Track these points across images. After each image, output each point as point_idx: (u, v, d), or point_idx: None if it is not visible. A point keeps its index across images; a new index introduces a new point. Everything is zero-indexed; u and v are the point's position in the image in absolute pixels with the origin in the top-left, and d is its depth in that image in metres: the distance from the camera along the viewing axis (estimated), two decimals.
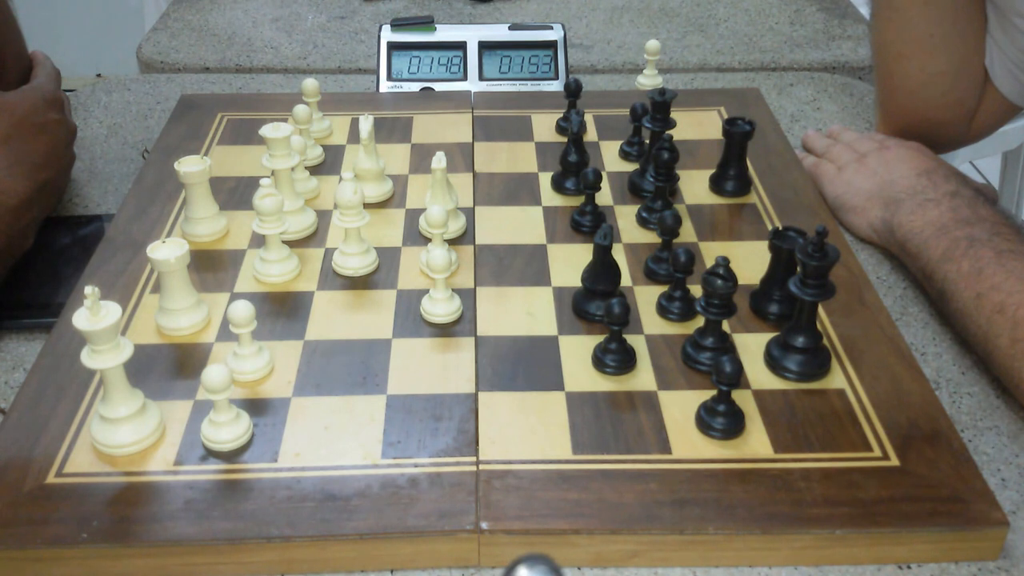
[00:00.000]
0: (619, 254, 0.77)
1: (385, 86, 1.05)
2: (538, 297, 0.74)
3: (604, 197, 0.85)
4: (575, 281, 0.74)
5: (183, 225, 0.81)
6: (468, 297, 0.73)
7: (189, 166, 0.78)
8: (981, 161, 2.39)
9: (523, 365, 0.67)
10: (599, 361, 0.67)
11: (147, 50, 1.25)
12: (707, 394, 0.64)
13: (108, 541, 0.55)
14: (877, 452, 0.61)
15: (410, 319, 0.71)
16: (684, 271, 0.69)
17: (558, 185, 0.86)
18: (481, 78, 1.06)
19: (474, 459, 0.60)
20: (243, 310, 0.63)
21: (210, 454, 0.61)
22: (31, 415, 0.63)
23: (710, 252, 0.79)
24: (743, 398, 0.65)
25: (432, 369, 0.67)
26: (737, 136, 0.84)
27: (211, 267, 0.77)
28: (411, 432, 0.62)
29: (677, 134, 0.84)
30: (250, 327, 0.64)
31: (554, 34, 1.06)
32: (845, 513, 0.57)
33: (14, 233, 0.77)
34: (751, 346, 0.69)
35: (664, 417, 0.63)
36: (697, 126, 0.97)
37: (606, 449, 0.61)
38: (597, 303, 0.71)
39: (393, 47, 1.06)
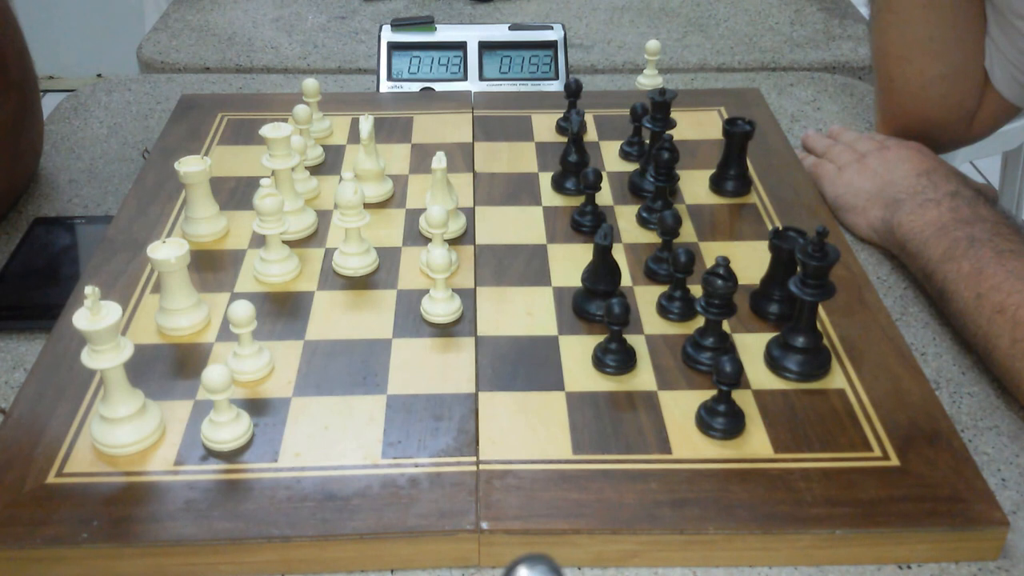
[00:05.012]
0: (619, 254, 0.77)
1: (385, 86, 1.05)
2: (538, 297, 0.74)
3: (604, 197, 0.85)
4: (575, 281, 0.74)
5: (183, 225, 0.81)
6: (468, 297, 0.73)
7: (189, 166, 0.78)
8: (981, 161, 2.39)
9: (523, 365, 0.67)
10: (599, 361, 0.67)
11: (147, 50, 1.25)
12: (707, 394, 0.64)
13: (108, 541, 0.55)
14: (877, 452, 0.61)
15: (410, 319, 0.71)
16: (684, 271, 0.69)
17: (558, 185, 0.86)
18: (481, 78, 1.06)
19: (474, 459, 0.60)
20: (243, 310, 0.63)
21: (210, 454, 0.61)
22: (31, 415, 0.63)
23: (710, 252, 0.79)
24: (743, 398, 0.65)
25: (432, 369, 0.67)
26: (737, 136, 0.84)
27: (211, 267, 0.77)
28: (411, 432, 0.62)
29: (677, 134, 0.84)
30: (250, 327, 0.64)
31: (554, 34, 1.06)
32: (845, 513, 0.57)
33: None
34: (751, 346, 0.69)
35: (664, 417, 0.63)
36: (697, 126, 0.96)
37: (606, 449, 0.61)
38: (597, 303, 0.71)
39: (393, 47, 1.06)
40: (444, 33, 1.06)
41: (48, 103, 1.21)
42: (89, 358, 0.59)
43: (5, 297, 0.79)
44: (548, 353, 0.68)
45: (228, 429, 0.61)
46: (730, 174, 0.86)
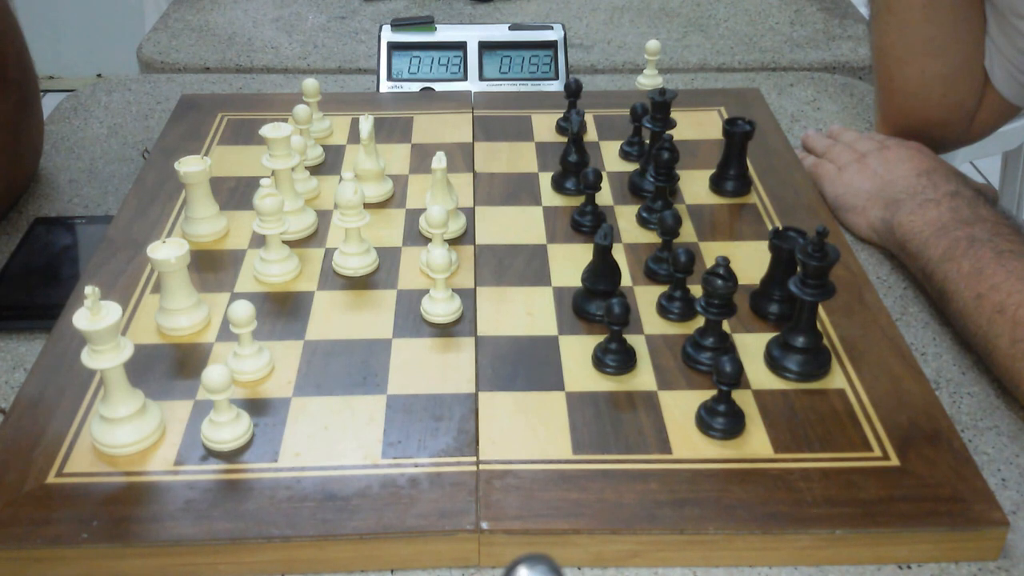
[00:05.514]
0: (619, 254, 0.77)
1: (385, 86, 1.05)
2: (538, 297, 0.74)
3: (604, 197, 0.85)
4: (575, 281, 0.74)
5: (183, 225, 0.81)
6: (468, 297, 0.73)
7: (189, 166, 0.78)
8: (981, 161, 2.39)
9: (523, 365, 0.67)
10: (599, 361, 0.67)
11: (147, 50, 1.25)
12: (707, 394, 0.64)
13: (108, 541, 0.55)
14: (877, 452, 0.61)
15: (410, 319, 0.71)
16: (684, 271, 0.69)
17: (558, 185, 0.86)
18: (481, 78, 1.06)
19: (474, 459, 0.60)
20: (243, 310, 0.63)
21: (210, 454, 0.61)
22: (31, 415, 0.63)
23: (710, 252, 0.79)
24: (743, 398, 0.65)
25: (432, 369, 0.67)
26: (737, 136, 0.84)
27: (211, 267, 0.77)
28: (411, 432, 0.62)
29: (677, 134, 0.84)
30: (250, 327, 0.64)
31: (554, 34, 1.06)
32: (845, 513, 0.57)
33: None
34: (751, 346, 0.69)
35: (664, 417, 0.63)
36: (697, 126, 0.96)
37: (606, 449, 0.61)
38: (597, 303, 0.71)
39: (393, 47, 1.06)
40: (444, 33, 1.06)
41: (48, 103, 1.21)
42: (89, 358, 0.59)
43: (5, 297, 0.79)
44: (548, 353, 0.68)
45: (228, 429, 0.61)
46: (730, 174, 0.86)
